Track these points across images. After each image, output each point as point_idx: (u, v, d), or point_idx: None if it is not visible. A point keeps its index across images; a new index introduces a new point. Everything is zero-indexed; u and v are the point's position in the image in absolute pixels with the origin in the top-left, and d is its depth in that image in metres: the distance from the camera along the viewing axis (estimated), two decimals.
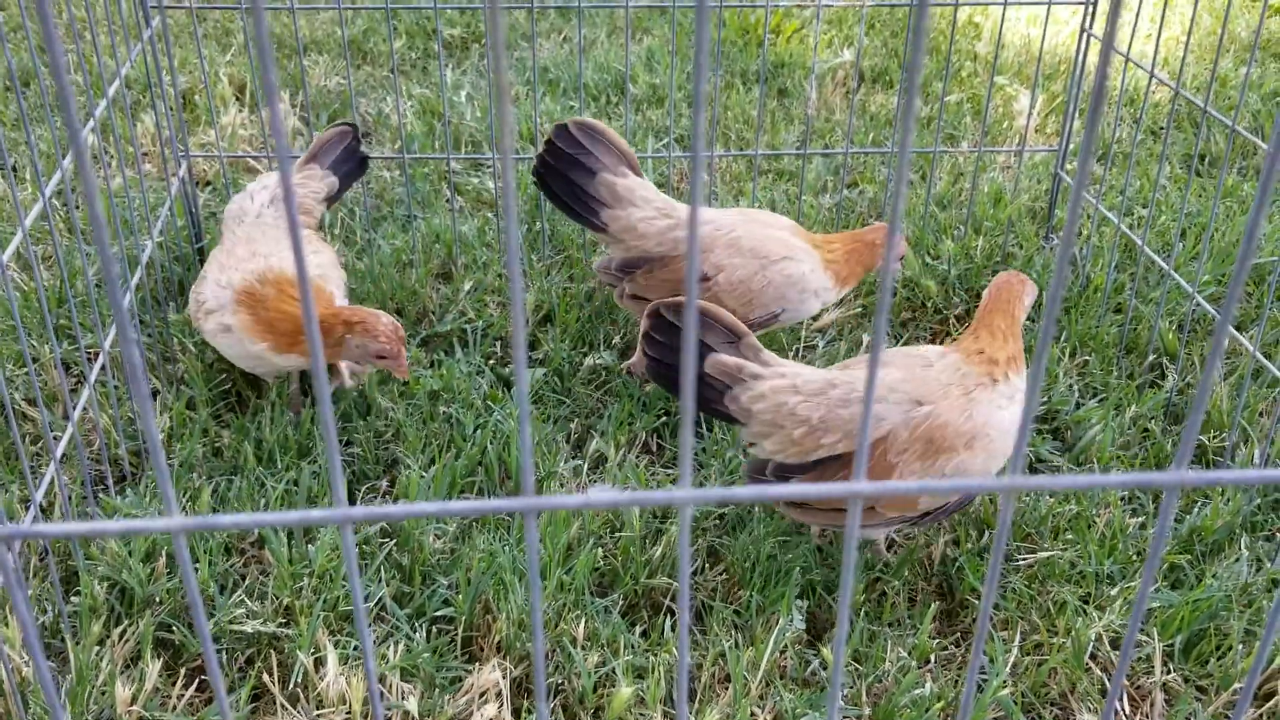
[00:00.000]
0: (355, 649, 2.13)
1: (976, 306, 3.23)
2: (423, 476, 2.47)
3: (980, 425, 2.16)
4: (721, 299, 2.67)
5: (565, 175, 2.78)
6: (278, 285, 2.55)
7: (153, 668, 2.04)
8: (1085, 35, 3.30)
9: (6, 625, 2.07)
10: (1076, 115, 3.47)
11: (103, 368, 2.49)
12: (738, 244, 2.71)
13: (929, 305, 3.21)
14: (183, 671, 2.11)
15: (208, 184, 3.81)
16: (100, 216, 0.71)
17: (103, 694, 2.01)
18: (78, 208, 3.31)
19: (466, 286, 3.16)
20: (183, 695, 2.06)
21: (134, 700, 2.00)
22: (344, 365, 2.78)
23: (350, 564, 0.83)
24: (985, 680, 2.15)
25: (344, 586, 2.21)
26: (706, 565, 2.37)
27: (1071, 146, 3.56)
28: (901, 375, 2.22)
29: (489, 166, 3.84)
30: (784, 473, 2.22)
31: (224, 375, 2.79)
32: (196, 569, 2.23)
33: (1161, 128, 4.28)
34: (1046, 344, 0.79)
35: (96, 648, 2.09)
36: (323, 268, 2.70)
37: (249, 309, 2.53)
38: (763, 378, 2.21)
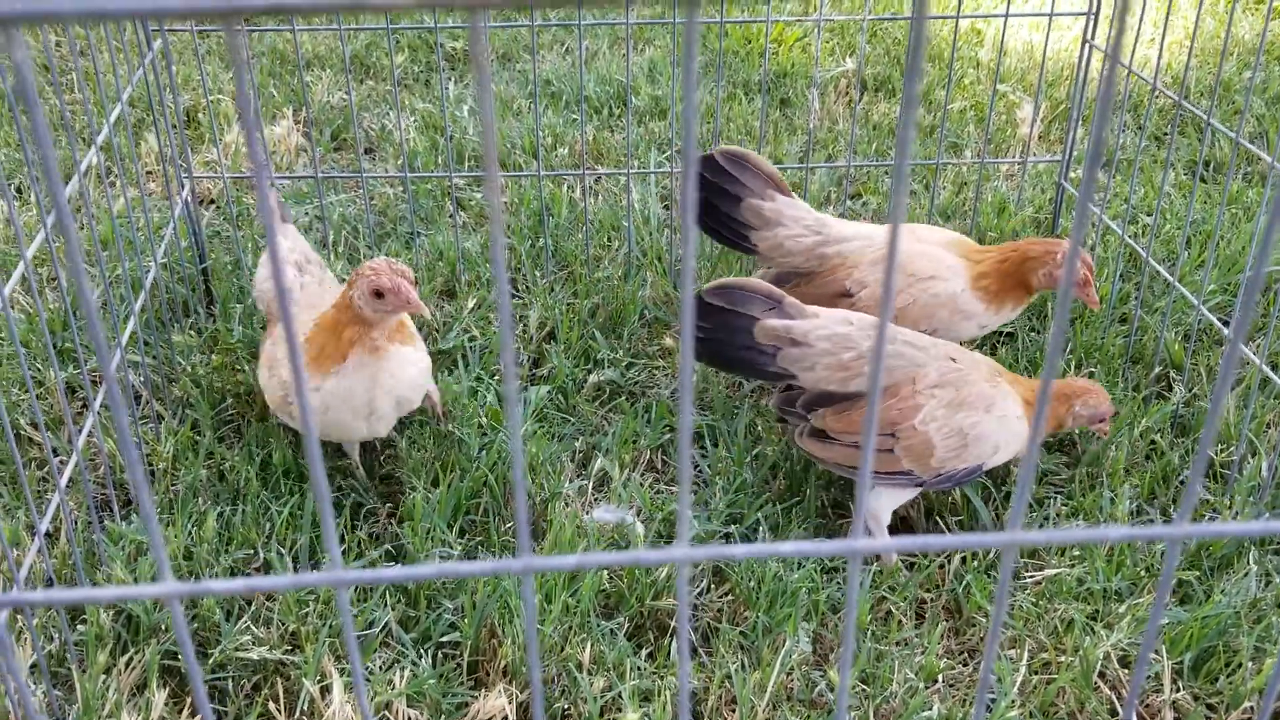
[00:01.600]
0: (361, 676, 2.12)
1: None
2: (427, 500, 2.47)
3: (1000, 398, 2.38)
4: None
5: (712, 204, 2.83)
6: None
7: (158, 697, 2.04)
8: (1087, 46, 3.29)
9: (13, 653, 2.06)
10: (1079, 124, 3.45)
11: (107, 392, 2.49)
12: (884, 259, 2.71)
13: None
14: (189, 700, 2.11)
15: (211, 202, 3.82)
16: (85, 282, 0.70)
17: None
18: (81, 228, 3.31)
19: (470, 304, 3.15)
20: None
21: None
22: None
23: (346, 624, 0.82)
24: (993, 700, 2.14)
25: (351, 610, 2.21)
26: (712, 585, 2.37)
27: (1075, 154, 3.55)
28: (942, 339, 2.54)
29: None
30: (816, 403, 2.42)
31: (230, 400, 2.79)
32: (202, 598, 2.23)
33: (1165, 134, 4.26)
34: (1054, 363, 0.78)
35: (103, 676, 2.09)
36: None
37: None
38: (818, 316, 2.44)
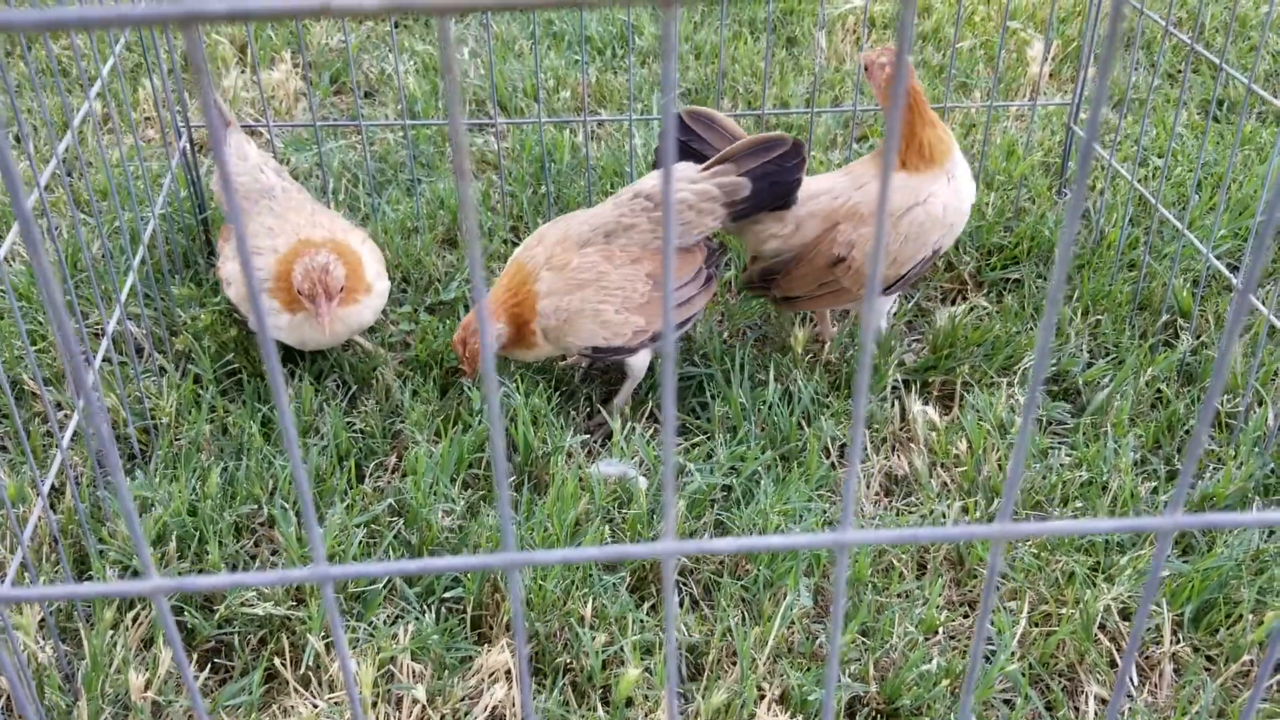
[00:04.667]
0: (366, 632, 2.14)
1: (986, 265, 3.19)
2: (430, 454, 2.47)
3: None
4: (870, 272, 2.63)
5: None
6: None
7: (165, 654, 2.06)
8: None
9: (20, 613, 2.09)
10: (1091, 63, 3.39)
11: (107, 346, 2.49)
12: (857, 211, 2.62)
13: (939, 264, 3.17)
14: (195, 656, 2.14)
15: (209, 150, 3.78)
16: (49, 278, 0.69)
17: (117, 679, 2.04)
18: (79, 176, 3.29)
19: None
20: (195, 678, 2.09)
21: (147, 686, 2.03)
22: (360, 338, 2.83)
23: (334, 622, 0.82)
24: (993, 652, 2.15)
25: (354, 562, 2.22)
26: (713, 538, 2.37)
27: (1086, 95, 3.48)
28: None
29: (492, 127, 3.79)
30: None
31: (231, 354, 2.78)
32: (207, 554, 2.24)
33: (1179, 71, 4.18)
34: (1055, 306, 0.77)
35: (110, 632, 2.11)
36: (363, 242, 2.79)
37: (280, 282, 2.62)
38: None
